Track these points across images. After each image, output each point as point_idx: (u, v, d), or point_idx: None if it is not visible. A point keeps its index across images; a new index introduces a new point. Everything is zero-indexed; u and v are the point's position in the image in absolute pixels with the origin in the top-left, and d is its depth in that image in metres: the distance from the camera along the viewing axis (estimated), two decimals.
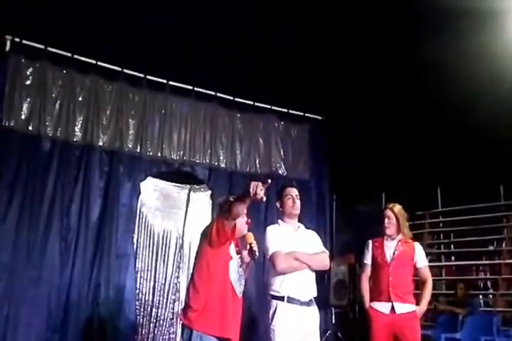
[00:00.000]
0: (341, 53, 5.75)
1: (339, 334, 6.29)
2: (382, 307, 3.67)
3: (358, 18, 5.30)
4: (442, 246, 6.83)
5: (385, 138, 6.52)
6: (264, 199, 2.61)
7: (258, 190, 2.56)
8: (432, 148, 6.16)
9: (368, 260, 3.88)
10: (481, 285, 6.58)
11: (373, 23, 5.29)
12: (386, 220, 3.83)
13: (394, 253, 3.74)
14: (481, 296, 6.37)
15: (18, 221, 4.86)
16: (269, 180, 2.61)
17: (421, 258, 3.83)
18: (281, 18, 5.31)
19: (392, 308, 3.62)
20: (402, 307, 3.62)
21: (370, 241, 3.93)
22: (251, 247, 3.05)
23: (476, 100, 5.27)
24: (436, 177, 6.31)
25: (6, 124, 5.00)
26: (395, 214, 3.82)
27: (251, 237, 3.11)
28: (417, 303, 3.71)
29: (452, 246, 6.72)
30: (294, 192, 3.49)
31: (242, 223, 3.10)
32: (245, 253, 3.13)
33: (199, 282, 2.97)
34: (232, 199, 3.01)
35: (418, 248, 3.86)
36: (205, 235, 3.01)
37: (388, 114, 6.28)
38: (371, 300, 3.77)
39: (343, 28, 5.39)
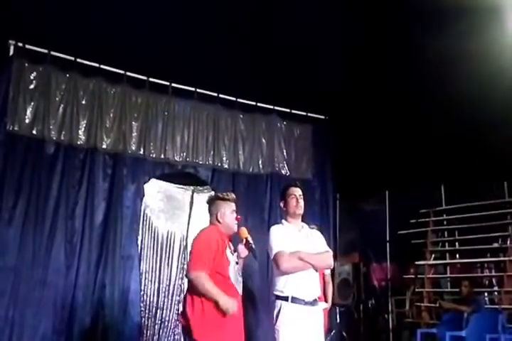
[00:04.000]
0: (344, 52, 5.75)
1: (344, 333, 6.29)
2: None
3: (360, 18, 5.30)
4: (447, 244, 6.82)
5: (388, 137, 6.51)
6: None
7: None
8: (435, 146, 6.15)
9: None
10: (486, 282, 6.55)
11: (376, 22, 5.30)
12: None
13: None
14: (486, 294, 6.33)
15: (23, 224, 4.91)
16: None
17: None
18: (283, 18, 5.32)
19: None
20: (322, 305, 4.41)
21: None
22: (247, 241, 3.06)
23: (479, 97, 5.25)
24: (439, 175, 6.29)
25: (10, 128, 5.05)
26: None
27: (245, 232, 3.13)
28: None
29: (457, 243, 6.70)
30: (297, 191, 3.49)
31: (232, 220, 3.12)
32: (241, 248, 3.13)
33: (195, 290, 2.90)
34: (216, 198, 3.18)
35: None
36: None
37: (391, 112, 6.27)
38: None
39: (345, 27, 5.38)
